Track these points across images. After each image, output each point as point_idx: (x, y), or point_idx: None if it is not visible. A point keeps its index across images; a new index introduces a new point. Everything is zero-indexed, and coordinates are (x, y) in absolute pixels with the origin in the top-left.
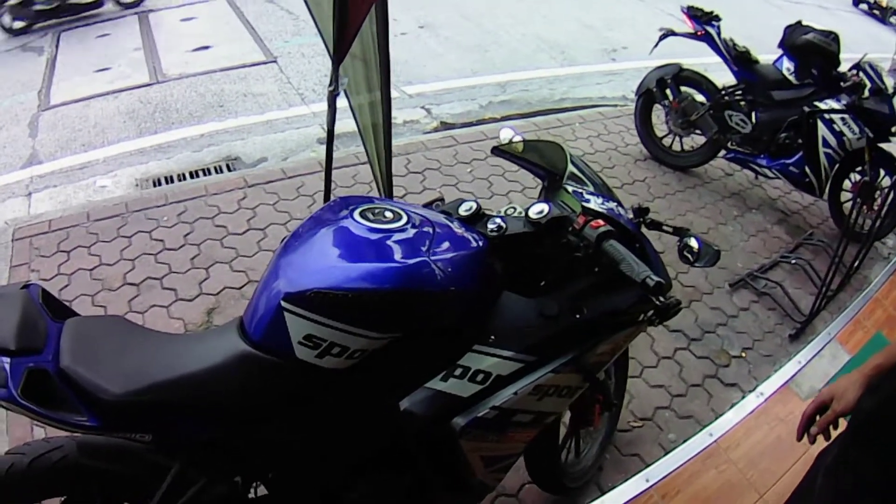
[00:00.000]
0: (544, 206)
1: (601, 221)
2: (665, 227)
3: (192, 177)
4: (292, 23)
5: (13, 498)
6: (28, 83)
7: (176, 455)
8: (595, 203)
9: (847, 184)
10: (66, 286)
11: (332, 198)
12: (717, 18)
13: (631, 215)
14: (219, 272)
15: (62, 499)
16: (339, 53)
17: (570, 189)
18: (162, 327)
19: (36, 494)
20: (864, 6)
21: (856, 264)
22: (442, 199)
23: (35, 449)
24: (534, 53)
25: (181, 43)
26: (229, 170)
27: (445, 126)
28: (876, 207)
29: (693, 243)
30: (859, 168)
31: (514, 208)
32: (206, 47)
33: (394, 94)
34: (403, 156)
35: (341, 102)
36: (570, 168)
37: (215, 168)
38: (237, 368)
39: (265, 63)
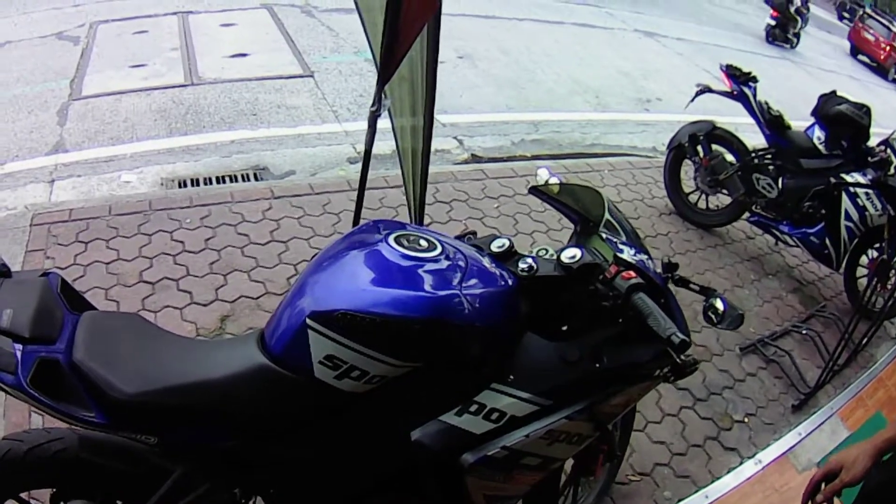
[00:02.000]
0: (577, 252)
1: (632, 273)
2: (693, 286)
3: (218, 182)
4: (332, 39)
5: (4, 484)
6: (61, 71)
7: (179, 460)
8: (628, 254)
9: (864, 260)
10: (81, 276)
11: (362, 220)
12: (755, 80)
13: (660, 270)
14: (237, 280)
15: (52, 490)
16: (385, 73)
17: (604, 236)
18: (173, 329)
19: (29, 483)
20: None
21: (864, 341)
22: (474, 233)
23: (34, 438)
24: (568, 95)
25: (219, 48)
26: (257, 179)
27: (476, 159)
28: (890, 286)
29: (719, 305)
30: (878, 245)
31: (546, 250)
32: (244, 55)
33: None
34: (432, 184)
35: (381, 123)
36: (608, 216)
37: (243, 176)
38: (254, 381)
39: (302, 77)
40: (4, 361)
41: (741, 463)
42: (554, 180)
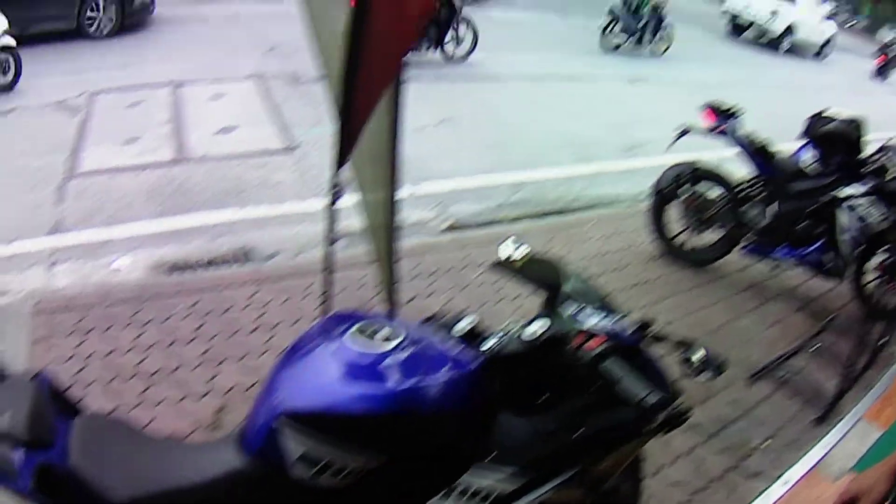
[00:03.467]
0: (542, 325)
1: (599, 340)
2: (669, 340)
3: (206, 266)
4: (315, 111)
5: None
6: (59, 145)
7: None
8: (593, 321)
9: (871, 265)
10: (82, 370)
11: (333, 309)
12: (738, 114)
13: (634, 329)
14: (229, 369)
15: None
16: (341, 155)
17: (567, 311)
18: (171, 425)
19: None
20: None
21: (883, 341)
22: (440, 315)
23: None
24: (552, 151)
25: (208, 122)
26: (243, 261)
27: (457, 227)
28: None
29: (696, 357)
30: (885, 247)
31: (512, 326)
32: (232, 128)
33: (408, 191)
34: (413, 258)
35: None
36: (566, 287)
37: (230, 259)
38: (233, 484)
39: (285, 151)
40: (6, 466)
41: (768, 487)
42: (521, 251)
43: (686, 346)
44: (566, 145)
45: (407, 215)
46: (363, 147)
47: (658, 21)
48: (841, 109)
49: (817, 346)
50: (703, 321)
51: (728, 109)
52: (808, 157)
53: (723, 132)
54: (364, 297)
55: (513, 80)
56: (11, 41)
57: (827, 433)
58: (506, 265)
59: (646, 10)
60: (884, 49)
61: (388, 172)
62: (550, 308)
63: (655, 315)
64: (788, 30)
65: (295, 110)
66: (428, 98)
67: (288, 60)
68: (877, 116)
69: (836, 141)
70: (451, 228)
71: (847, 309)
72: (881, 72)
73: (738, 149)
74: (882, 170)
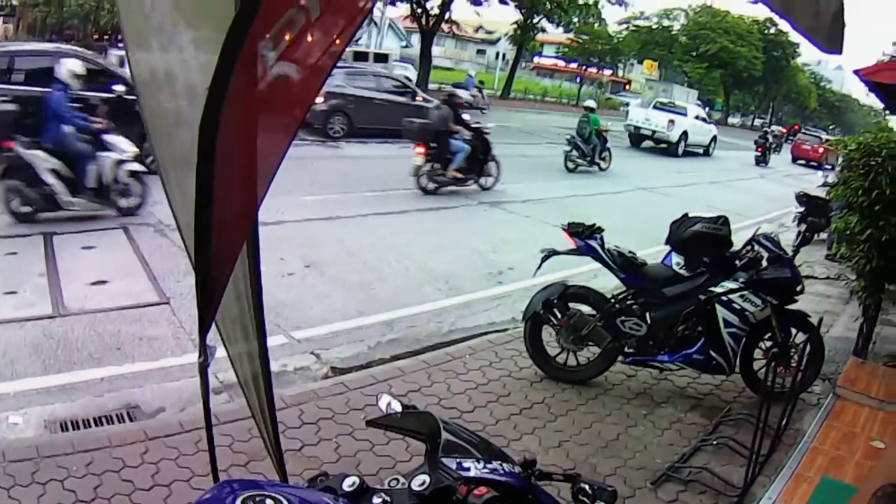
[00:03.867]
0: (426, 478)
1: (484, 489)
2: (556, 476)
3: (96, 423)
4: (184, 260)
5: None
6: None
7: None
8: (475, 469)
9: (758, 352)
10: None
11: (220, 469)
12: (599, 230)
13: (518, 469)
14: None
15: None
16: (205, 317)
17: (449, 461)
18: None
19: None
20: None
21: (784, 423)
22: (326, 475)
23: None
24: (419, 286)
25: (82, 274)
26: (130, 419)
27: (336, 371)
28: (794, 365)
29: (586, 488)
30: (768, 335)
31: (398, 479)
32: (105, 282)
33: (282, 339)
34: (296, 406)
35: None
36: (444, 438)
37: (117, 416)
38: None
39: (158, 304)
40: None
41: None
42: (395, 405)
43: (573, 479)
44: (431, 279)
45: (286, 363)
46: (224, 300)
47: (603, 144)
48: (702, 213)
49: (717, 440)
50: (596, 435)
51: (588, 228)
52: (678, 261)
53: (586, 251)
54: (256, 447)
55: (371, 216)
56: None
57: None
58: (382, 422)
59: (593, 137)
60: (758, 141)
61: (254, 323)
62: (433, 458)
63: (547, 437)
64: (684, 135)
65: (164, 261)
66: (289, 242)
67: (154, 209)
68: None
69: (703, 241)
70: (330, 373)
71: (740, 399)
72: (760, 160)
73: (604, 266)
74: (753, 262)
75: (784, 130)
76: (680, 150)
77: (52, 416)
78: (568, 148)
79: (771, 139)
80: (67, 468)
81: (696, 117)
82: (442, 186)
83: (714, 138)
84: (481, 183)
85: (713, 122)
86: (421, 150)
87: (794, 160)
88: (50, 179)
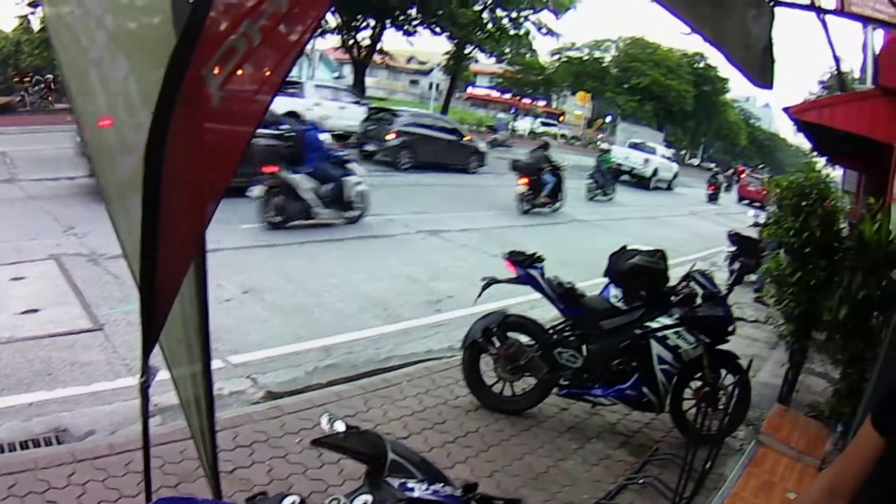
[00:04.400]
0: (368, 498)
1: None
2: (496, 501)
3: (21, 447)
4: (118, 288)
5: None
6: None
7: None
8: (419, 491)
9: (688, 391)
10: None
11: (154, 488)
12: (540, 260)
13: (460, 492)
14: None
15: None
16: (149, 338)
17: (392, 481)
18: None
19: None
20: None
21: (708, 465)
22: (265, 493)
23: None
24: (358, 313)
25: (10, 304)
26: (58, 442)
27: (272, 396)
28: (721, 407)
29: None
30: (699, 374)
31: (338, 500)
32: (35, 310)
33: (219, 363)
34: (231, 429)
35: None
36: (391, 456)
37: (45, 440)
38: None
39: (91, 331)
40: None
41: None
42: (338, 426)
43: (514, 503)
44: (369, 306)
45: (222, 387)
46: (169, 322)
47: (615, 178)
48: (640, 245)
49: (643, 479)
50: (526, 467)
51: (528, 257)
52: (616, 294)
53: (526, 280)
54: (186, 469)
55: (309, 244)
56: None
57: None
58: (326, 441)
59: (608, 172)
60: (710, 180)
61: (199, 345)
62: (375, 479)
63: (479, 466)
64: (655, 171)
65: (97, 289)
66: (228, 268)
67: (86, 239)
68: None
69: (640, 274)
70: (266, 397)
71: (668, 438)
72: (712, 197)
73: (542, 295)
74: (688, 298)
75: (732, 172)
76: (651, 185)
77: None
78: (590, 181)
79: (721, 179)
80: None
81: (663, 156)
82: (534, 208)
83: (676, 174)
84: (555, 207)
85: (675, 160)
86: (524, 181)
87: (740, 200)
88: (307, 196)
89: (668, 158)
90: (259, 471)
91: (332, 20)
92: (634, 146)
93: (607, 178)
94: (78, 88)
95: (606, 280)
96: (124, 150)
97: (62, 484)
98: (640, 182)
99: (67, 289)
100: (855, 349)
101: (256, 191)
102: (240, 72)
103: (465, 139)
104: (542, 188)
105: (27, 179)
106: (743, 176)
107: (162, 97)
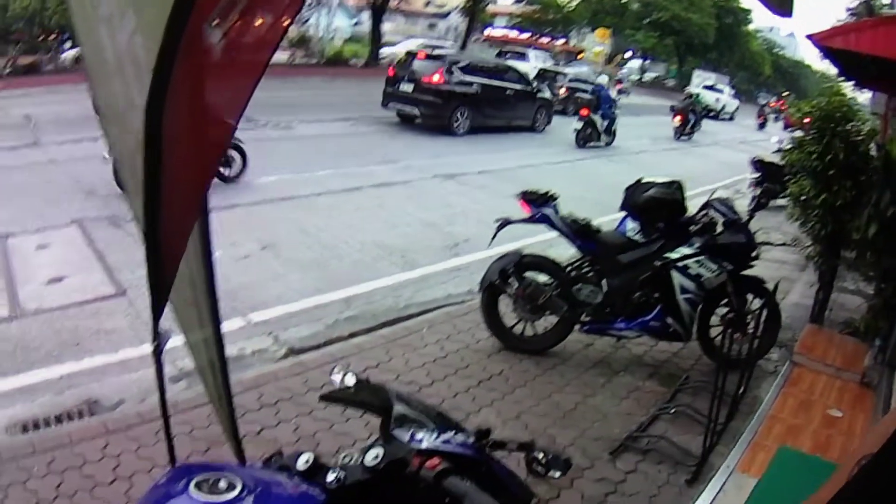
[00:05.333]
0: (379, 451)
1: (437, 460)
2: (509, 446)
3: (56, 422)
4: (139, 251)
5: None
6: None
7: None
8: (428, 441)
9: (714, 319)
10: None
11: (179, 456)
12: (553, 198)
13: (472, 439)
14: None
15: None
16: (157, 304)
17: (402, 434)
18: None
19: None
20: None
21: (741, 390)
22: (280, 453)
23: None
24: (375, 262)
25: (37, 273)
26: (90, 414)
27: (294, 352)
28: (750, 331)
29: (540, 456)
30: (724, 301)
31: (352, 455)
32: (61, 279)
33: (240, 322)
34: (255, 389)
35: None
36: (396, 410)
37: (78, 412)
38: None
39: (115, 297)
40: None
41: None
42: (349, 379)
43: (527, 447)
44: (386, 255)
45: (244, 346)
46: (178, 286)
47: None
48: (657, 176)
49: (674, 408)
50: (554, 406)
51: (542, 196)
52: (633, 227)
53: (541, 219)
54: (213, 434)
55: (324, 195)
56: None
57: (702, 491)
58: (335, 396)
59: (700, 110)
60: (760, 111)
61: (208, 308)
62: (387, 431)
63: (505, 409)
64: (723, 107)
65: (119, 253)
66: (244, 225)
67: (106, 203)
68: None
69: (657, 207)
70: (289, 354)
71: (698, 367)
72: (761, 126)
73: (558, 233)
74: (708, 227)
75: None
76: (720, 116)
77: (11, 419)
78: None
79: (768, 110)
80: (28, 470)
81: (729, 95)
82: (688, 135)
83: (737, 108)
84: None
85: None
86: (679, 117)
87: (785, 128)
88: (601, 129)
89: (732, 96)
90: (285, 430)
91: None
92: (708, 87)
93: (699, 114)
94: (89, 48)
95: (623, 214)
96: (131, 109)
97: (97, 457)
98: (712, 115)
99: (90, 254)
100: (887, 265)
101: (576, 123)
102: (242, 23)
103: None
104: (692, 125)
105: (51, 143)
106: (784, 107)
107: (162, 52)
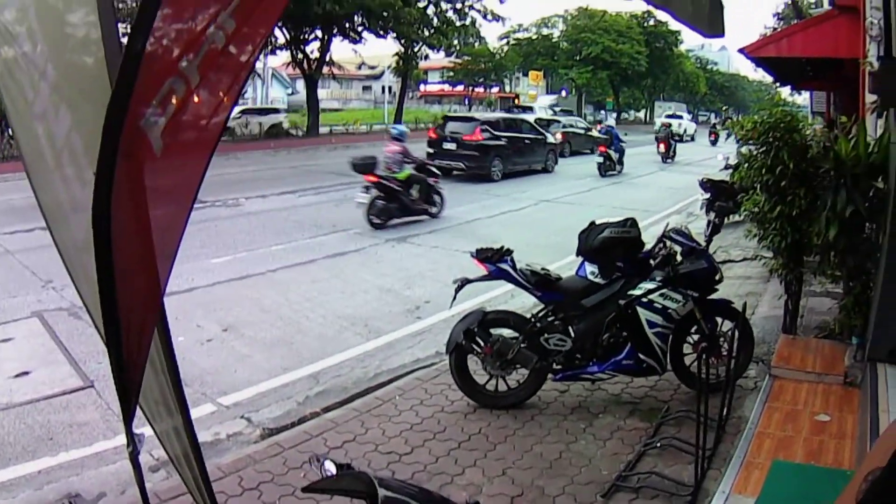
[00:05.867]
0: None
1: None
2: None
3: None
4: (101, 341)
5: None
6: None
7: None
8: None
9: (687, 346)
10: None
11: None
12: (509, 252)
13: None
14: None
15: None
16: (128, 409)
17: None
18: None
19: None
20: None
21: (724, 413)
22: None
23: None
24: (339, 334)
25: (3, 367)
26: None
27: (269, 433)
28: (725, 354)
29: None
30: (695, 328)
31: None
32: (27, 372)
33: (211, 407)
34: (235, 474)
35: None
36: (381, 494)
37: None
38: None
39: (83, 389)
40: None
41: None
42: (329, 467)
43: None
44: (348, 326)
45: (219, 431)
46: (145, 384)
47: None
48: (608, 218)
49: (660, 442)
50: (538, 457)
51: (497, 252)
52: (593, 270)
53: (498, 275)
54: None
55: (280, 270)
56: None
57: None
58: (318, 487)
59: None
60: (711, 129)
61: (174, 396)
62: None
63: (489, 466)
64: (685, 131)
65: (82, 344)
66: (204, 307)
67: (65, 292)
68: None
69: (614, 246)
70: (264, 435)
71: (677, 396)
72: (713, 142)
73: (518, 287)
74: (667, 259)
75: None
76: (684, 139)
77: None
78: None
79: (720, 128)
80: None
81: (688, 119)
82: (671, 158)
83: (696, 129)
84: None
85: (694, 120)
86: (663, 145)
87: (737, 141)
88: (613, 159)
89: (690, 120)
90: None
91: (280, 36)
92: (670, 116)
93: (676, 140)
94: (27, 145)
95: (580, 259)
96: (74, 208)
97: None
98: (677, 139)
99: (54, 346)
100: (853, 263)
101: (596, 157)
102: (184, 109)
103: (549, 138)
104: (671, 148)
105: (1, 233)
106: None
107: (103, 152)
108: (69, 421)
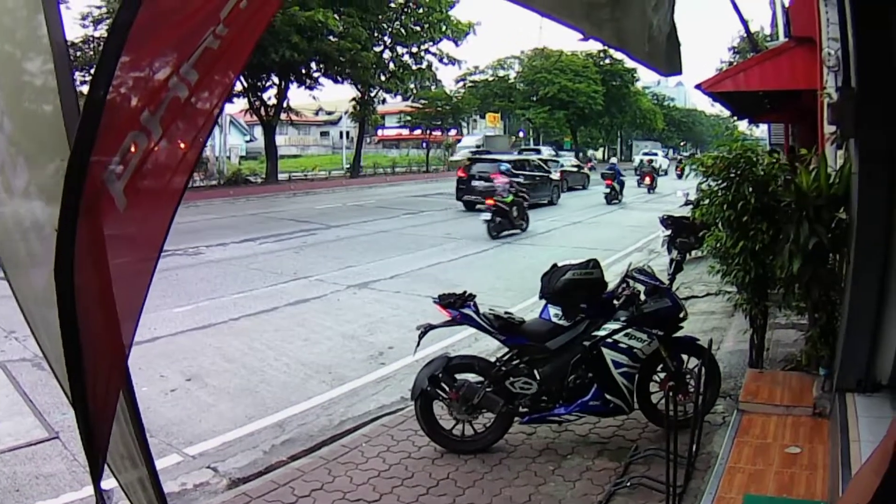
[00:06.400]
0: None
1: None
2: None
3: None
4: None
5: None
6: None
7: None
8: None
9: (654, 385)
10: None
11: None
12: (472, 297)
13: None
14: None
15: None
16: (96, 467)
17: None
18: None
19: None
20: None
21: (694, 449)
22: None
23: None
24: (303, 382)
25: None
26: None
27: (236, 482)
28: (692, 390)
29: None
30: (661, 367)
31: None
32: None
33: (177, 458)
34: None
35: None
36: None
37: None
38: None
39: (49, 440)
40: None
41: None
42: None
43: None
44: (312, 374)
45: (186, 482)
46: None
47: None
48: (570, 259)
49: (630, 481)
50: (507, 501)
51: (459, 297)
52: (556, 312)
53: (462, 320)
54: None
55: (242, 319)
56: None
57: None
58: None
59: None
60: (677, 165)
61: (138, 447)
62: None
63: None
64: (660, 166)
65: (46, 395)
66: (166, 357)
67: (27, 343)
68: None
69: (576, 288)
70: (231, 485)
71: (645, 435)
72: (679, 176)
73: (482, 332)
74: (631, 299)
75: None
76: (660, 174)
77: None
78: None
79: (686, 162)
80: None
81: (662, 156)
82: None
83: (669, 164)
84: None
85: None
86: (648, 178)
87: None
88: (616, 191)
89: (664, 157)
90: None
91: (237, 84)
92: (646, 153)
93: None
94: None
95: (543, 302)
96: (33, 263)
97: None
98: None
99: (18, 397)
100: (817, 295)
101: (604, 188)
102: (147, 161)
103: (553, 175)
104: (655, 180)
105: None
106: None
107: (64, 208)
108: (35, 472)
